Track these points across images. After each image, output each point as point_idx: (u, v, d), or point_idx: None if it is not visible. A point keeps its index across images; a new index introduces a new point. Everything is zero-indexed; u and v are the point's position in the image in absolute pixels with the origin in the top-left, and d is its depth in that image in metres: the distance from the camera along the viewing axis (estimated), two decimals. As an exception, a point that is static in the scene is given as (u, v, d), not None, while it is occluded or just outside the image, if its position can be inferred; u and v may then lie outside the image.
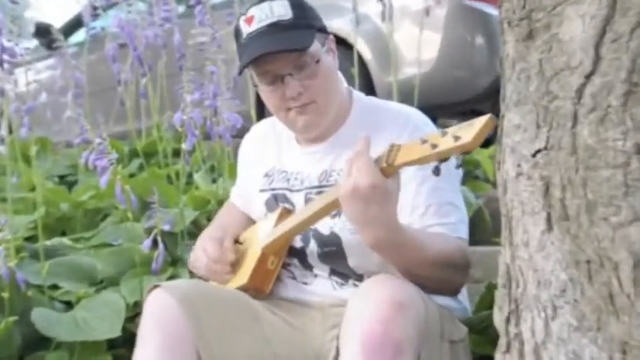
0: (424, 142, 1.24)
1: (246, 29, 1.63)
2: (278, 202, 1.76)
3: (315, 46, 1.61)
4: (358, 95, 1.76)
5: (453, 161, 1.22)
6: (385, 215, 1.35)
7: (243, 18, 1.64)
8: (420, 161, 1.26)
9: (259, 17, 1.61)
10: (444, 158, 1.22)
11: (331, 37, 1.69)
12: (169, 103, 3.91)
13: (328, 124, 1.68)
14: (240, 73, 1.64)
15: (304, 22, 1.62)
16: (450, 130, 1.21)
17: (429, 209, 1.57)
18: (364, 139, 1.38)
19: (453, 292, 1.57)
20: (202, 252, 1.75)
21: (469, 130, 1.17)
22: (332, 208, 1.47)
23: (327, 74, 1.64)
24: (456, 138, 1.18)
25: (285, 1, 1.62)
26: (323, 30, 1.67)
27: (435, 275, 1.47)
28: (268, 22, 1.60)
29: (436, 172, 1.24)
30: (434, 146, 1.22)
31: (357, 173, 1.32)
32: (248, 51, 1.62)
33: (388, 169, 1.32)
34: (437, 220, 1.56)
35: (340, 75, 1.74)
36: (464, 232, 1.59)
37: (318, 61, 1.61)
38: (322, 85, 1.63)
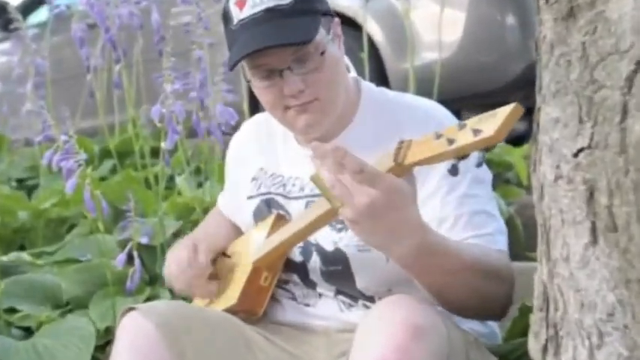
0: (439, 136, 1.23)
1: (237, 13, 1.61)
2: (271, 208, 1.76)
3: (320, 35, 1.60)
4: (367, 86, 1.76)
5: (473, 159, 1.22)
6: (411, 220, 1.33)
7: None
8: (435, 159, 1.26)
9: (253, 1, 1.59)
10: (462, 155, 1.22)
11: (337, 20, 1.69)
12: (147, 95, 3.91)
13: (333, 122, 1.68)
14: (232, 68, 1.63)
15: (307, 5, 1.61)
16: (469, 122, 1.20)
17: (459, 220, 1.56)
18: (336, 149, 1.31)
19: (500, 313, 1.55)
20: (172, 261, 1.76)
21: (491, 122, 1.17)
22: (334, 216, 1.46)
23: (332, 66, 1.63)
24: (476, 131, 1.17)
25: None
26: (328, 13, 1.66)
27: (478, 288, 1.45)
28: (264, 6, 1.58)
29: (453, 171, 1.23)
30: (450, 141, 1.21)
31: (365, 186, 1.28)
32: (240, 42, 1.60)
33: (398, 170, 1.31)
34: (470, 232, 1.55)
35: (347, 62, 1.74)
36: (503, 243, 1.58)
37: (323, 53, 1.61)
38: (327, 80, 1.62)
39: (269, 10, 1.58)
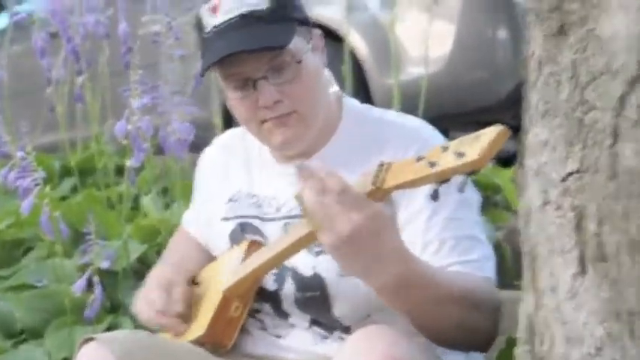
0: (420, 159, 1.24)
1: (211, 20, 1.63)
2: (245, 233, 1.76)
3: (297, 43, 1.62)
4: (350, 101, 1.77)
5: (455, 183, 1.23)
6: (392, 248, 1.34)
7: (206, 6, 1.65)
8: (415, 183, 1.27)
9: (227, 6, 1.61)
10: (444, 179, 1.23)
11: (317, 31, 1.70)
12: (112, 109, 3.90)
13: (313, 138, 1.69)
14: (203, 74, 1.64)
15: (283, 12, 1.62)
16: (452, 144, 1.21)
17: (444, 245, 1.57)
18: (327, 171, 1.33)
19: (484, 345, 1.55)
20: (145, 302, 1.75)
21: (475, 145, 1.18)
22: (312, 240, 1.47)
23: (311, 77, 1.64)
24: (459, 154, 1.19)
25: None
26: (306, 22, 1.68)
27: (461, 320, 1.46)
28: (238, 12, 1.60)
29: (434, 195, 1.24)
30: (432, 164, 1.22)
31: (345, 212, 1.29)
32: (212, 48, 1.61)
33: (376, 193, 1.32)
34: (455, 257, 1.56)
35: (328, 75, 1.75)
36: (490, 270, 1.59)
37: (300, 62, 1.62)
38: (305, 91, 1.63)
39: (243, 16, 1.60)
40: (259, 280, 1.70)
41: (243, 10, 1.60)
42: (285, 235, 1.57)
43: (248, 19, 1.60)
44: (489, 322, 1.52)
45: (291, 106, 1.62)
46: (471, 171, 1.19)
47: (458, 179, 1.21)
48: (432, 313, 1.43)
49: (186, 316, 1.73)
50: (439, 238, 1.57)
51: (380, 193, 1.32)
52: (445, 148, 1.21)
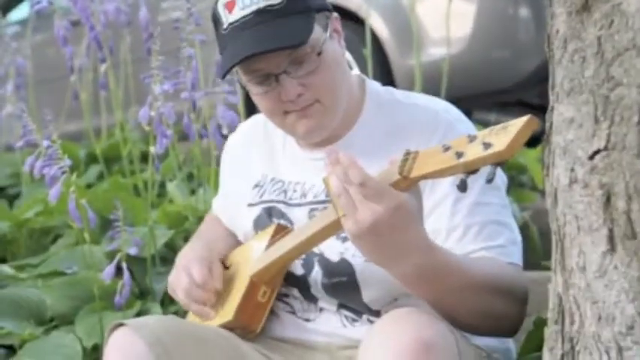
0: (447, 149, 1.24)
1: (226, 16, 1.62)
2: (272, 217, 1.77)
3: (316, 33, 1.61)
4: (373, 86, 1.76)
5: (484, 173, 1.22)
6: (416, 238, 1.36)
7: (221, 1, 1.64)
8: (442, 173, 1.27)
9: (242, 2, 1.59)
10: (471, 170, 1.23)
11: (335, 15, 1.69)
12: (136, 96, 3.92)
13: (336, 124, 1.68)
14: (223, 76, 1.63)
15: (299, 4, 1.61)
16: (480, 134, 1.21)
17: (469, 231, 1.57)
18: (346, 156, 1.35)
19: (510, 331, 1.56)
20: (185, 273, 1.75)
21: (503, 136, 1.17)
22: (339, 228, 1.47)
23: (331, 65, 1.63)
24: (487, 145, 1.18)
25: None
26: (324, 8, 1.67)
27: (487, 308, 1.47)
28: (254, 7, 1.59)
29: (462, 187, 1.24)
30: (459, 155, 1.22)
31: (369, 202, 1.31)
32: (230, 47, 1.61)
33: (403, 182, 1.33)
34: (481, 243, 1.56)
35: (349, 59, 1.74)
36: (517, 256, 1.59)
37: (320, 54, 1.61)
38: (327, 81, 1.63)
39: (260, 12, 1.58)
40: (286, 266, 1.70)
41: (260, 4, 1.58)
42: (313, 222, 1.57)
43: (265, 14, 1.58)
44: (516, 310, 1.52)
45: (313, 96, 1.62)
46: (499, 161, 1.18)
47: (486, 169, 1.20)
48: (457, 301, 1.44)
49: (218, 297, 1.74)
50: (464, 223, 1.57)
51: (406, 183, 1.33)
52: (473, 138, 1.21)
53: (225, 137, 2.49)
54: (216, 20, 1.65)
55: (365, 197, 1.31)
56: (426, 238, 1.38)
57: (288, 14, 1.59)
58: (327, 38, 1.63)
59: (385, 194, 1.31)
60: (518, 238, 1.62)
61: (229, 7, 1.61)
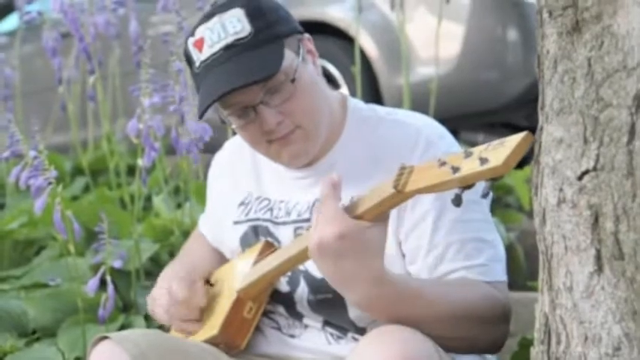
0: (442, 164, 1.24)
1: (197, 55, 1.62)
2: (259, 235, 1.76)
3: (288, 59, 1.60)
4: (355, 103, 1.76)
5: (479, 189, 1.22)
6: (365, 270, 1.37)
7: (191, 40, 1.63)
8: (438, 187, 1.27)
9: (210, 39, 1.60)
10: (467, 185, 1.23)
11: (307, 36, 1.68)
12: (123, 108, 3.91)
13: (319, 145, 1.68)
14: (201, 116, 1.63)
15: (267, 33, 1.60)
16: (476, 150, 1.21)
17: (449, 249, 1.57)
18: (329, 178, 1.40)
19: (493, 348, 1.55)
20: (165, 291, 1.74)
21: (500, 151, 1.17)
22: None
23: (308, 88, 1.63)
24: (483, 160, 1.18)
25: (238, 10, 1.59)
26: (294, 31, 1.65)
27: (464, 333, 1.47)
28: (223, 44, 1.59)
29: (456, 201, 1.24)
30: (455, 170, 1.22)
31: (321, 224, 1.36)
32: (205, 85, 1.61)
33: (397, 197, 1.33)
34: (461, 262, 1.56)
35: (337, 77, 1.74)
36: (499, 273, 1.58)
37: (294, 80, 1.60)
38: (305, 105, 1.62)
39: (228, 47, 1.58)
40: (273, 282, 1.70)
41: (229, 40, 1.58)
42: (298, 240, 1.57)
43: (234, 49, 1.58)
44: (494, 331, 1.52)
45: (293, 122, 1.62)
46: (494, 177, 1.19)
47: (481, 185, 1.20)
48: (429, 328, 1.44)
49: (203, 313, 1.73)
50: (445, 241, 1.57)
51: (401, 197, 1.33)
52: (469, 154, 1.21)
53: (202, 151, 2.49)
54: (188, 60, 1.66)
55: (320, 216, 1.36)
56: (378, 270, 1.39)
57: (257, 46, 1.58)
58: (300, 62, 1.62)
59: (336, 220, 1.35)
60: (501, 253, 1.62)
61: (198, 45, 1.61)
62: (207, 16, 1.61)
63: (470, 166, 1.20)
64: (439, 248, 1.57)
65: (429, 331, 1.43)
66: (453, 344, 1.48)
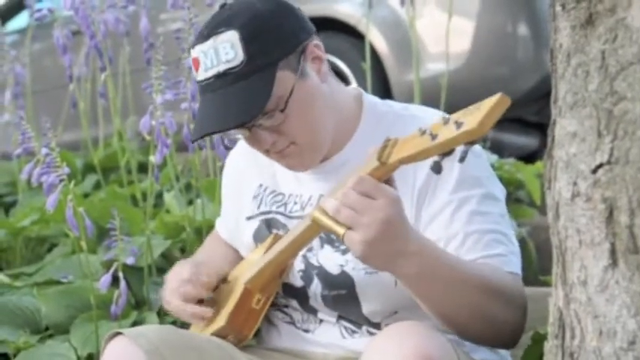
0: (423, 132, 1.26)
1: (194, 73, 1.64)
2: (272, 229, 1.76)
3: (282, 84, 1.58)
4: (371, 100, 1.75)
5: (457, 155, 1.23)
6: (412, 232, 1.39)
7: (191, 54, 1.63)
8: (419, 156, 1.28)
9: (204, 64, 1.59)
10: (446, 151, 1.23)
11: (315, 42, 1.64)
12: (134, 106, 3.91)
13: (332, 142, 1.68)
14: (194, 142, 1.66)
15: (260, 61, 1.57)
16: (454, 115, 1.22)
17: (468, 239, 1.57)
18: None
19: (510, 340, 1.55)
20: (174, 277, 1.75)
21: (475, 114, 1.18)
22: (318, 231, 1.49)
23: (304, 108, 1.61)
24: (459, 124, 1.18)
25: (233, 34, 1.56)
26: (291, 51, 1.60)
27: (488, 309, 1.46)
28: (215, 71, 1.58)
29: (436, 168, 1.25)
30: (434, 136, 1.23)
31: (368, 207, 1.33)
32: (198, 111, 1.64)
33: (382, 169, 1.34)
34: (480, 252, 1.56)
35: (347, 73, 1.73)
36: (516, 265, 1.59)
37: (283, 110, 1.58)
38: (299, 125, 1.62)
39: (219, 76, 1.58)
40: (277, 270, 1.70)
41: (220, 68, 1.57)
42: (294, 228, 1.58)
43: (225, 78, 1.57)
44: (515, 316, 1.51)
45: (287, 140, 1.62)
46: (472, 140, 1.19)
47: (459, 150, 1.21)
48: (457, 302, 1.44)
49: (212, 300, 1.73)
50: (463, 231, 1.57)
51: (386, 169, 1.34)
52: (447, 120, 1.22)
53: (228, 148, 2.49)
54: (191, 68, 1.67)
55: (363, 196, 1.34)
56: (418, 232, 1.41)
57: (248, 75, 1.56)
58: (298, 79, 1.60)
59: (381, 188, 1.34)
60: (517, 249, 1.62)
61: (195, 65, 1.61)
62: (203, 37, 1.60)
63: (447, 132, 1.21)
64: (458, 238, 1.57)
65: (464, 304, 1.44)
66: (480, 326, 1.48)
